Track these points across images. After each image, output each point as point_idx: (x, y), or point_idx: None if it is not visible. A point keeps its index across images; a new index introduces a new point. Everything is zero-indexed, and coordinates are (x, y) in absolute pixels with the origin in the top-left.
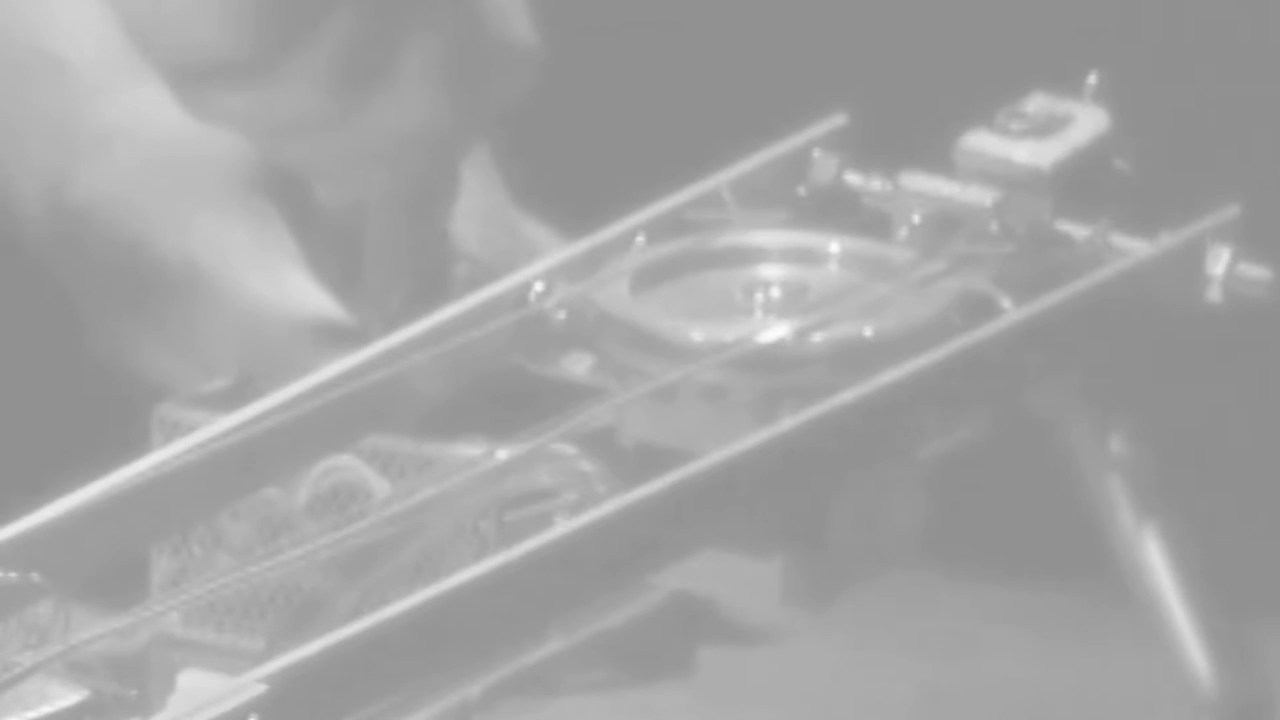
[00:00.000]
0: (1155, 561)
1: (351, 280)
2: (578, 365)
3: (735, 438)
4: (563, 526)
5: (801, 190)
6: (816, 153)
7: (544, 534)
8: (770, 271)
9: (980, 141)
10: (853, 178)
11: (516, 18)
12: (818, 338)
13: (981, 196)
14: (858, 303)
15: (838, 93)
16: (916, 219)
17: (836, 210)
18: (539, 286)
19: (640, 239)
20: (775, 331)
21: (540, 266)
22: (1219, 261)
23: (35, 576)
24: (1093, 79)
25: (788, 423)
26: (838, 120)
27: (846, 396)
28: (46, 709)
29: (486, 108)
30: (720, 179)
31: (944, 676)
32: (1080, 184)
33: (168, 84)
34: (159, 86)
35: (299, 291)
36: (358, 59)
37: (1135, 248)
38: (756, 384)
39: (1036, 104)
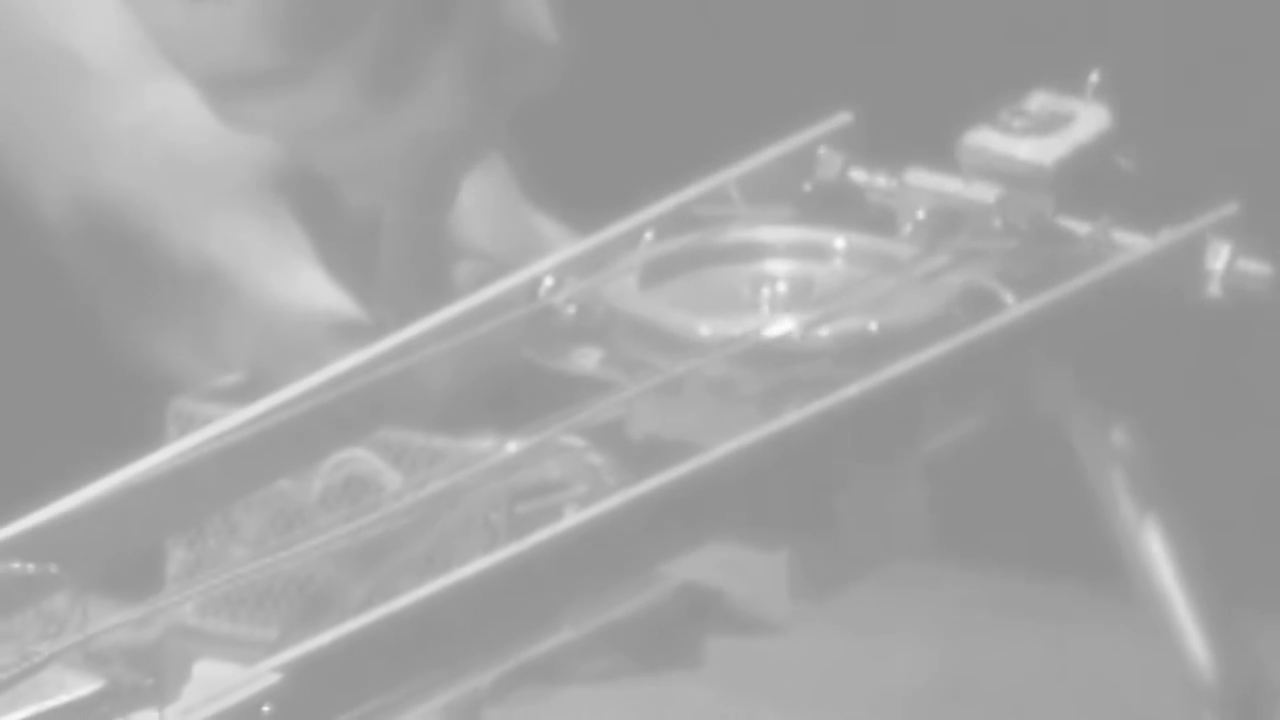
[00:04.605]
0: (1156, 554)
1: (373, 277)
2: (587, 359)
3: (742, 430)
4: (572, 518)
5: (807, 187)
6: (822, 150)
7: (554, 526)
8: (776, 267)
9: (983, 139)
10: (857, 174)
11: (539, 16)
12: (823, 332)
13: (984, 193)
14: (863, 297)
15: (843, 91)
16: (920, 215)
17: (841, 206)
18: (549, 282)
19: (649, 235)
20: (781, 326)
21: (550, 262)
22: (1219, 257)
23: (52, 567)
24: (1095, 77)
25: (794, 416)
26: (843, 118)
27: (852, 390)
28: (64, 698)
29: (509, 106)
30: (727, 176)
31: (949, 666)
32: (1082, 181)
33: (200, 94)
34: (177, 85)
35: (313, 288)
36: (388, 64)
37: (1136, 244)
38: (763, 377)
39: (1039, 102)
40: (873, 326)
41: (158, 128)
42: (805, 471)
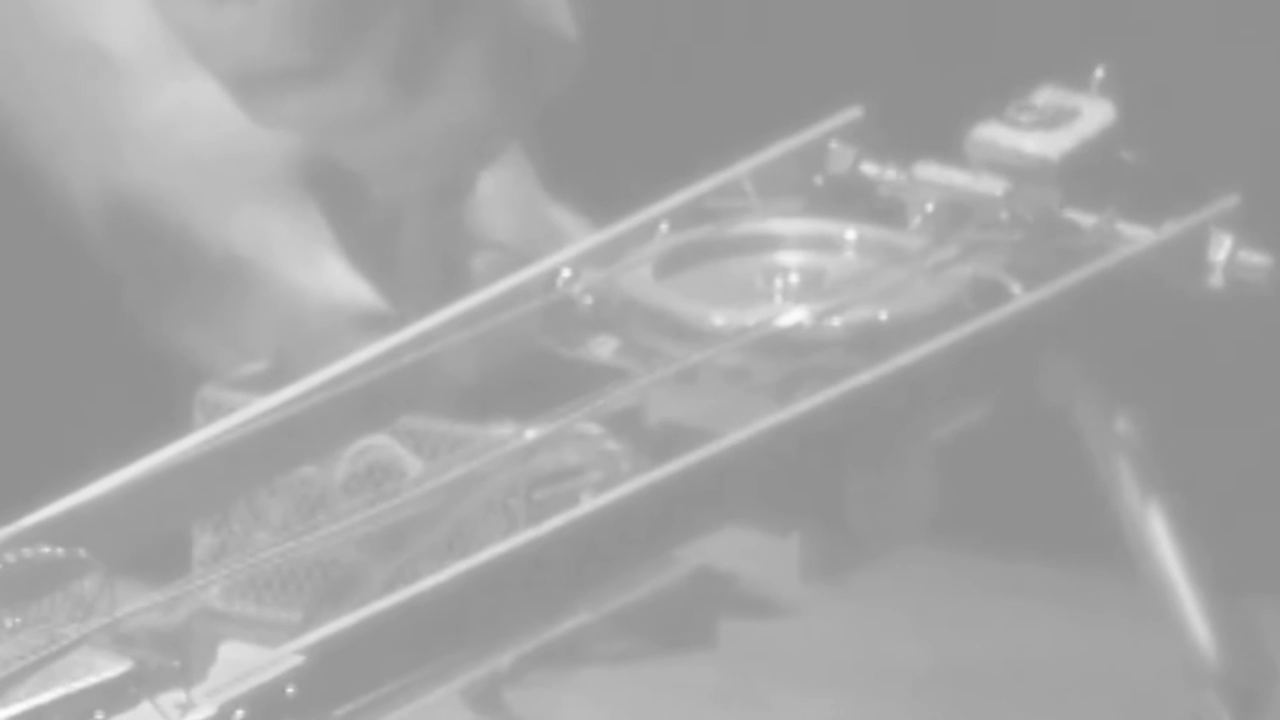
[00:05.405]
0: (1160, 539)
1: (395, 268)
2: (604, 348)
3: (755, 418)
4: (589, 504)
5: (819, 180)
6: (833, 144)
7: (571, 511)
8: (789, 258)
9: (991, 133)
10: (868, 168)
11: (557, 11)
12: (835, 322)
13: (992, 186)
14: (873, 288)
15: (854, 86)
16: (930, 207)
17: (852, 199)
18: (566, 272)
19: (664, 227)
20: (794, 316)
21: (568, 253)
22: (1220, 248)
23: (82, 552)
24: (1099, 73)
25: (805, 403)
26: (854, 113)
27: (862, 378)
28: (92, 679)
29: (530, 102)
30: (741, 169)
31: (955, 648)
32: (1087, 174)
33: (226, 91)
34: (203, 81)
35: (336, 280)
36: (409, 59)
37: (1140, 235)
38: (776, 366)
39: (1045, 97)
40: (883, 316)
41: (183, 122)
42: (817, 457)
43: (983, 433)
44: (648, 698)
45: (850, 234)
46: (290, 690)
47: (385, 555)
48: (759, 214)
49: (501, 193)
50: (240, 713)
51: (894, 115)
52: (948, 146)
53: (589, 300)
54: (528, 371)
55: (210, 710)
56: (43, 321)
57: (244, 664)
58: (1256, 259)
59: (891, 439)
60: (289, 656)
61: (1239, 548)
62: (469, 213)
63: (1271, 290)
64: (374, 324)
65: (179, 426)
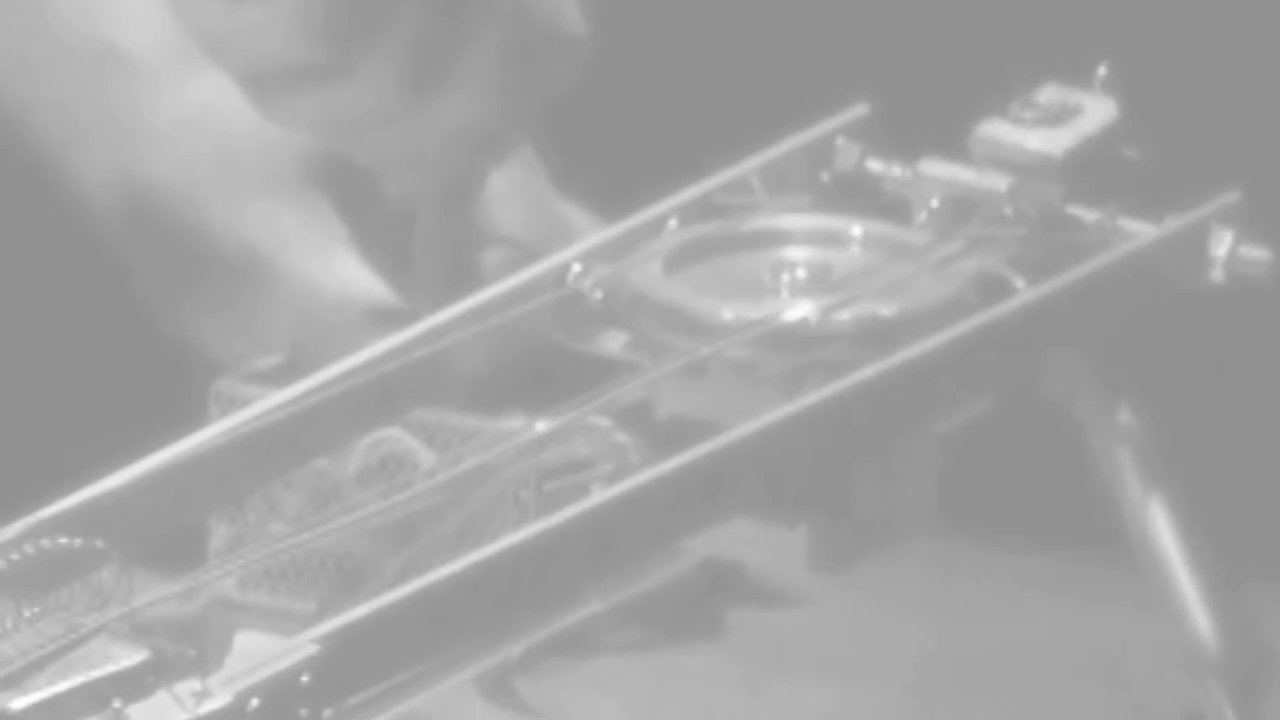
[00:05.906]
0: (1161, 529)
1: (407, 264)
2: (613, 342)
3: (763, 411)
4: (599, 495)
5: (825, 176)
6: (840, 141)
7: (581, 502)
8: (796, 253)
9: (995, 130)
10: (874, 164)
11: (567, 9)
12: (841, 316)
13: (996, 182)
14: (879, 283)
15: (860, 84)
16: (935, 203)
17: (858, 195)
18: (577, 267)
19: (673, 222)
20: (801, 310)
21: (578, 248)
22: (1221, 244)
23: (99, 542)
24: (1102, 71)
25: (812, 397)
26: (860, 110)
27: (868, 372)
28: (110, 667)
29: (540, 99)
30: (748, 166)
31: (960, 637)
32: (1090, 170)
33: (241, 90)
34: (218, 79)
35: (349, 275)
36: (422, 57)
37: (1142, 231)
38: (783, 360)
39: (1049, 94)
40: (889, 311)
41: (199, 119)
42: (823, 450)
43: (986, 425)
44: (657, 687)
45: (856, 229)
46: (305, 679)
47: (398, 546)
48: (766, 210)
49: (512, 189)
50: (255, 701)
51: (899, 112)
52: (952, 143)
53: (599, 295)
54: (538, 365)
55: (226, 699)
56: (58, 315)
57: (259, 653)
58: (1257, 254)
59: (897, 431)
60: (304, 646)
61: (1239, 537)
62: (480, 209)
63: (1272, 284)
64: (387, 319)
65: (194, 419)
